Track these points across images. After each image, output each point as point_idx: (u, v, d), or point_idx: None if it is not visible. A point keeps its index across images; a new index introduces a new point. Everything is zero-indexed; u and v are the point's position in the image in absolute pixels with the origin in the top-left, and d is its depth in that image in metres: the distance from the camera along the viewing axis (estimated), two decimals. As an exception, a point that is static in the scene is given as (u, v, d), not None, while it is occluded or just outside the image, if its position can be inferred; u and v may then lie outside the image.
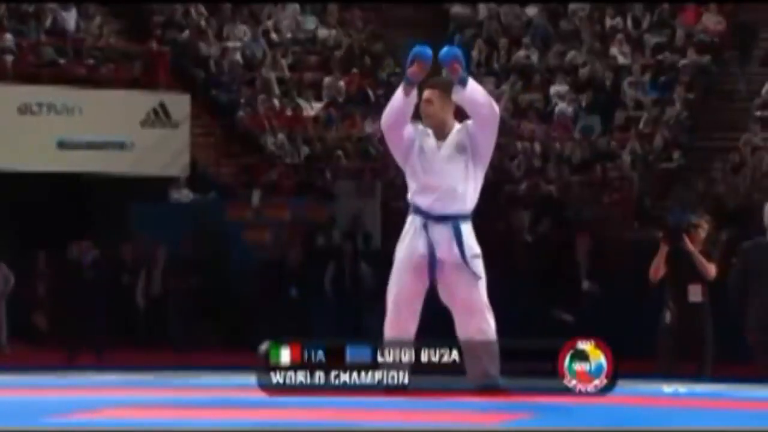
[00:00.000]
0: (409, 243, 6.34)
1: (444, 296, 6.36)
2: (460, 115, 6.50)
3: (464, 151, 6.32)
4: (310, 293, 15.32)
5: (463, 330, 6.31)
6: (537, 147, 17.35)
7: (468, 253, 6.28)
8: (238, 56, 18.45)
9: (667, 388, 7.11)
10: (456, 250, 6.24)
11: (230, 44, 18.52)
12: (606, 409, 6.18)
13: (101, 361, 12.94)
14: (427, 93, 6.43)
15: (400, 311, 6.36)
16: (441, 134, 6.38)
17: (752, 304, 7.97)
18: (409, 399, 6.22)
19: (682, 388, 7.10)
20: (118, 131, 16.55)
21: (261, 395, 6.23)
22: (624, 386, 7.26)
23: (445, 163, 6.29)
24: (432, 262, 6.28)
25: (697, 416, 5.95)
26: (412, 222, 6.38)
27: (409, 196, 6.39)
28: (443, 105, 6.41)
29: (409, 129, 6.43)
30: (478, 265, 6.32)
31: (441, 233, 6.28)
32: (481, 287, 6.30)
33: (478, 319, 6.28)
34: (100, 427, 5.31)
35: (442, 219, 6.29)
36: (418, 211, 6.35)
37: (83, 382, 7.24)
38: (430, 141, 6.37)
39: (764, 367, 7.90)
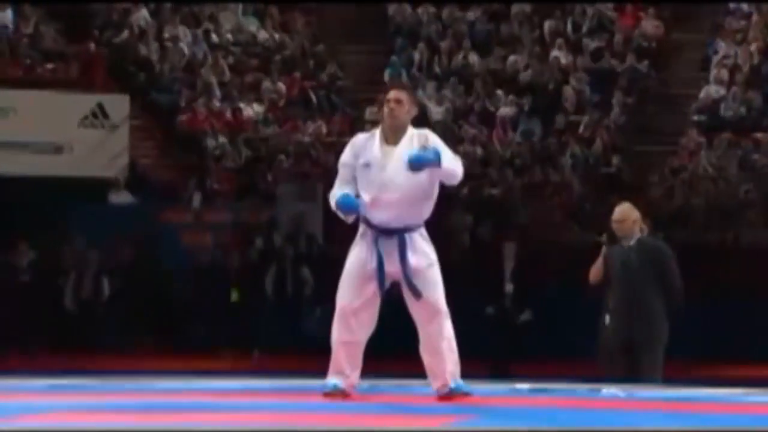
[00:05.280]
0: (360, 254, 6.29)
1: (407, 304, 6.34)
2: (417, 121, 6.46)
3: None
4: (251, 297, 15.25)
5: (425, 336, 6.29)
6: (479, 151, 17.42)
7: (423, 262, 6.25)
8: (178, 58, 18.32)
9: (606, 390, 7.16)
10: (407, 262, 6.18)
11: (170, 45, 18.39)
12: (546, 411, 6.22)
13: (35, 364, 12.77)
14: (396, 93, 6.31)
15: (347, 320, 6.33)
16: (395, 138, 6.27)
17: (609, 310, 8.11)
18: (358, 403, 6.21)
19: (620, 390, 7.15)
20: (56, 133, 16.36)
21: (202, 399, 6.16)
22: (564, 388, 7.31)
23: (399, 176, 6.19)
24: (381, 276, 6.24)
25: (635, 418, 5.99)
26: (363, 234, 6.32)
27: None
28: (410, 108, 6.33)
29: (349, 157, 6.32)
30: (434, 273, 6.27)
31: (392, 246, 6.22)
32: (437, 293, 6.28)
33: (436, 325, 6.27)
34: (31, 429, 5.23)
35: (392, 232, 6.24)
36: (369, 224, 6.29)
37: (12, 386, 7.13)
38: (375, 151, 6.24)
39: (608, 370, 8.03)
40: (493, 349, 13.09)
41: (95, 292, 15.25)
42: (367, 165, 6.25)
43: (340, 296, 6.33)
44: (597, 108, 17.79)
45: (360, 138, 6.39)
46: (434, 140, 6.30)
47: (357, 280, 6.27)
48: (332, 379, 6.33)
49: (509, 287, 13.38)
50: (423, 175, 6.19)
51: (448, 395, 6.25)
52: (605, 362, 8.29)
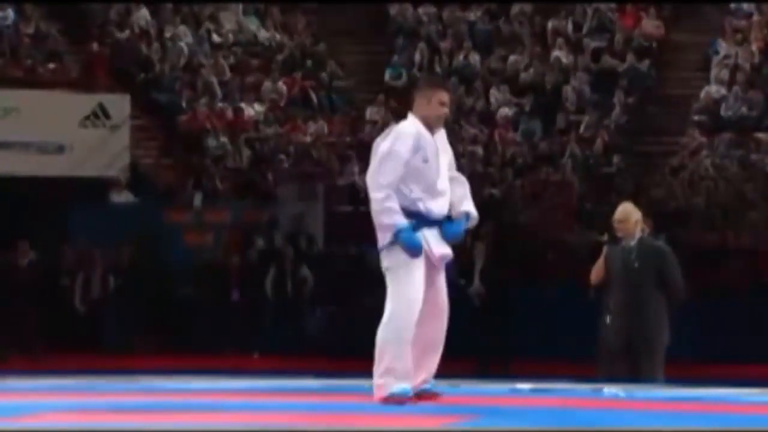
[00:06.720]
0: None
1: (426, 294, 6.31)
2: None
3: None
4: (252, 296, 15.26)
5: (428, 330, 6.28)
6: (479, 150, 17.42)
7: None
8: (179, 57, 18.32)
9: (607, 389, 7.17)
10: (447, 250, 6.30)
11: (171, 45, 18.40)
12: (546, 411, 6.23)
13: (35, 364, 12.78)
14: (446, 96, 6.52)
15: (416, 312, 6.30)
16: (434, 131, 6.46)
17: (610, 310, 8.12)
18: (358, 403, 6.21)
19: (621, 390, 7.16)
20: (57, 132, 16.37)
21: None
22: (564, 388, 7.32)
23: (442, 165, 6.41)
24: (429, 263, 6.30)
25: (635, 418, 6.00)
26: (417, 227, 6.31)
27: (407, 201, 6.26)
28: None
29: (409, 152, 6.34)
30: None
31: (434, 235, 6.31)
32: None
33: (442, 322, 6.31)
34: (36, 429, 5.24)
35: (436, 222, 6.34)
36: (426, 217, 6.29)
37: (12, 386, 7.13)
38: (431, 143, 6.39)
39: (609, 370, 8.05)
40: (480, 347, 13.12)
41: (103, 292, 15.26)
42: (425, 160, 6.34)
43: (412, 291, 6.20)
44: (597, 108, 17.80)
45: (415, 132, 6.39)
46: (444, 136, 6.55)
47: (418, 271, 6.23)
48: (401, 385, 6.18)
49: (477, 285, 13.49)
50: (450, 157, 6.46)
51: (423, 394, 6.25)
52: (606, 362, 8.30)
